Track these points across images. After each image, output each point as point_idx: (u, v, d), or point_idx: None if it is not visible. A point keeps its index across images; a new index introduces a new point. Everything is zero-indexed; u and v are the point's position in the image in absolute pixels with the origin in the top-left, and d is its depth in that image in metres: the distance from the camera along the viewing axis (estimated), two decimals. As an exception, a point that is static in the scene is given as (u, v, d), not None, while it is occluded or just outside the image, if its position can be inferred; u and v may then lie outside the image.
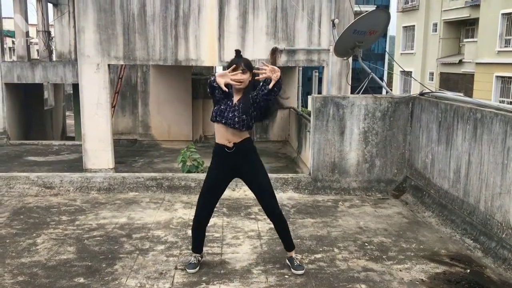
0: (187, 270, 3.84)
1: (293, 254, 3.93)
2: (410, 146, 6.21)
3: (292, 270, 3.85)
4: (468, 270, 3.96)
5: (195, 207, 5.46)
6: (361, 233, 4.79)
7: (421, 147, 5.88)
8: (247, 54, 9.38)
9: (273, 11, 9.37)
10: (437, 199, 5.37)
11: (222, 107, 3.64)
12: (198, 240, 3.93)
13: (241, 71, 3.56)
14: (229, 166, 3.76)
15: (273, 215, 3.89)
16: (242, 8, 9.30)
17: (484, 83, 25.20)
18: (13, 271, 3.83)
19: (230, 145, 3.67)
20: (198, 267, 3.87)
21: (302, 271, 3.82)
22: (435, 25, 31.53)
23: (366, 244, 4.51)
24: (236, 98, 3.66)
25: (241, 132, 3.66)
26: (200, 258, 3.95)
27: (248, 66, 3.61)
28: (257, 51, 9.41)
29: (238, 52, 3.67)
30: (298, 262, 3.89)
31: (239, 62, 3.59)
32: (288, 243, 3.93)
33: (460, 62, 28.88)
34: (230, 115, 3.60)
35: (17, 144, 13.32)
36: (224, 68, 3.74)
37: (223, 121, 3.61)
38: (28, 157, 11.58)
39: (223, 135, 3.68)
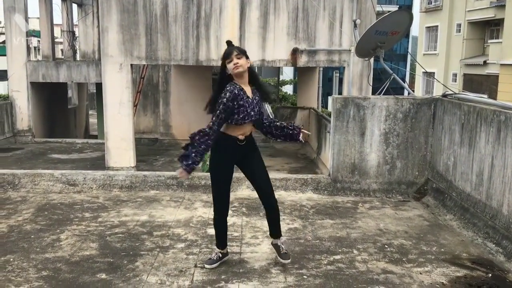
0: (205, 265, 3.88)
1: (279, 241, 3.97)
2: (432, 148, 6.14)
3: (278, 257, 3.93)
4: (490, 275, 3.91)
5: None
6: (381, 235, 4.77)
7: (443, 149, 5.81)
8: (267, 54, 9.41)
9: (294, 11, 9.35)
10: (459, 202, 5.30)
11: (246, 106, 3.66)
12: (222, 234, 3.97)
13: (235, 56, 3.61)
14: (238, 157, 3.85)
15: (270, 202, 3.92)
16: (263, 8, 9.31)
17: (509, 84, 24.69)
18: (37, 266, 3.93)
19: (242, 138, 3.76)
20: (216, 264, 3.91)
21: (289, 260, 3.89)
22: (459, 25, 31.02)
23: (386, 246, 4.49)
24: (248, 92, 3.71)
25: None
26: (220, 255, 3.98)
27: (242, 51, 3.67)
28: (277, 51, 9.40)
29: (229, 42, 3.77)
30: (284, 250, 3.94)
31: (233, 49, 3.66)
32: (277, 231, 3.99)
33: (485, 63, 28.37)
34: (256, 111, 3.72)
35: (42, 142, 13.58)
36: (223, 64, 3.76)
37: (252, 119, 3.72)
38: (52, 155, 11.81)
39: (241, 130, 3.73)
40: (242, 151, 3.81)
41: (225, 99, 3.57)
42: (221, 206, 3.89)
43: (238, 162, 3.90)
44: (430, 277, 3.85)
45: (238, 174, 6.48)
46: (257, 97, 3.76)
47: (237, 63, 3.60)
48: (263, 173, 3.95)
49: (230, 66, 3.62)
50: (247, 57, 3.68)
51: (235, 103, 3.60)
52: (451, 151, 5.59)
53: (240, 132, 3.73)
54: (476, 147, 5.03)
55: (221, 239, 3.99)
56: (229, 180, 3.90)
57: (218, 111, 3.58)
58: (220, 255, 3.99)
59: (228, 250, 4.26)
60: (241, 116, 3.64)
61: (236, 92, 3.61)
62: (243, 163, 3.91)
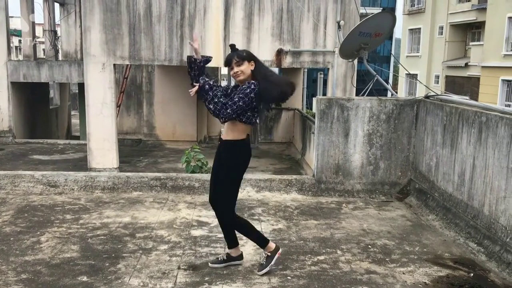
0: (259, 272, 3.81)
1: (232, 252, 3.92)
2: (415, 149, 6.19)
3: (257, 270, 3.85)
4: (472, 274, 3.95)
5: (198, 208, 5.50)
6: (364, 236, 4.79)
7: (426, 150, 5.86)
8: (252, 55, 9.40)
9: (278, 12, 9.38)
10: (441, 202, 5.35)
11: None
12: (234, 233, 3.93)
13: (234, 64, 3.56)
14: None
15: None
16: (247, 9, 9.31)
17: (490, 86, 25.12)
18: (16, 268, 3.85)
19: (221, 137, 3.81)
20: (222, 264, 3.91)
21: (265, 270, 3.80)
22: (441, 28, 31.45)
23: (369, 246, 4.50)
24: None
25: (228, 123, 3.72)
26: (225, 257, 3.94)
27: (241, 56, 3.58)
28: (262, 52, 9.41)
29: (232, 46, 3.67)
30: (263, 260, 3.87)
31: (233, 56, 3.59)
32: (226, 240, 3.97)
33: (466, 66, 28.80)
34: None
35: (23, 143, 13.38)
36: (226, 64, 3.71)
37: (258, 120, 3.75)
38: (33, 156, 11.63)
39: (248, 130, 3.72)
40: (219, 150, 3.81)
41: (251, 92, 3.50)
42: (234, 206, 3.84)
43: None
44: (413, 277, 3.87)
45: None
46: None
47: (237, 71, 3.56)
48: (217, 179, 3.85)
49: (231, 74, 3.59)
50: (249, 60, 3.59)
51: (254, 102, 3.55)
52: (434, 152, 5.64)
53: (247, 132, 3.72)
54: (458, 148, 5.08)
55: (235, 237, 3.93)
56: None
57: (237, 99, 3.50)
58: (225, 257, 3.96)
59: (212, 252, 4.24)
60: (256, 115, 3.64)
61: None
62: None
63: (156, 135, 14.28)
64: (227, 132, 3.71)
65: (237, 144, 3.69)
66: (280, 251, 3.91)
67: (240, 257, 3.98)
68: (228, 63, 3.62)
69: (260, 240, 3.89)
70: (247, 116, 3.61)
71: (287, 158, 11.90)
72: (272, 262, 3.83)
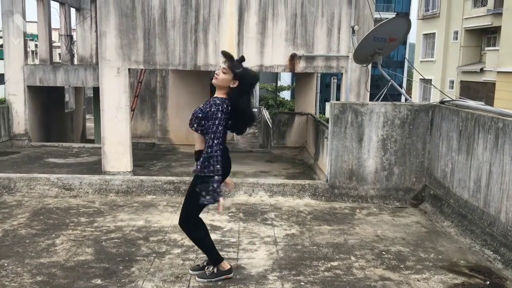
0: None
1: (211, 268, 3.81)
2: (430, 155, 6.13)
3: (197, 276, 3.79)
4: (488, 282, 3.89)
5: (211, 212, 5.50)
6: (378, 242, 4.75)
7: (441, 156, 5.80)
8: (266, 60, 9.41)
9: (292, 17, 9.37)
10: (456, 209, 5.29)
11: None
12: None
13: (222, 69, 3.51)
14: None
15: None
16: (261, 14, 9.33)
17: (506, 92, 24.77)
18: (32, 270, 3.89)
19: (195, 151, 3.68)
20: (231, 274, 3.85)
21: (202, 280, 3.74)
22: (456, 33, 31.17)
23: (383, 252, 4.46)
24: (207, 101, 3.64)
25: (200, 136, 3.58)
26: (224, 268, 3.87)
27: (232, 69, 3.49)
28: (276, 57, 9.41)
29: (241, 58, 3.59)
30: (208, 272, 3.79)
31: (228, 61, 3.52)
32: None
33: (481, 71, 28.47)
34: (192, 117, 3.63)
35: (38, 146, 13.53)
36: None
37: (190, 126, 3.66)
38: (48, 159, 11.75)
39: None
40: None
41: (219, 113, 3.53)
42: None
43: None
44: (428, 284, 3.83)
45: (235, 179, 6.46)
46: (201, 106, 3.57)
47: (218, 75, 3.53)
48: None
49: (216, 71, 3.59)
50: (236, 78, 3.48)
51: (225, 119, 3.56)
52: (449, 158, 5.58)
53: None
54: (474, 154, 5.02)
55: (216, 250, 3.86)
56: None
57: None
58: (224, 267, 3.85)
59: (225, 256, 4.23)
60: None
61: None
62: None
63: (169, 139, 14.34)
64: (198, 143, 3.62)
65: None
66: (230, 275, 3.81)
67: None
68: (223, 56, 3.54)
69: (216, 253, 3.84)
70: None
71: (300, 162, 11.86)
72: (214, 279, 3.75)
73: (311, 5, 9.32)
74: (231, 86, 3.52)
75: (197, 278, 3.76)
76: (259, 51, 9.38)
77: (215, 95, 3.61)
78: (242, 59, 3.59)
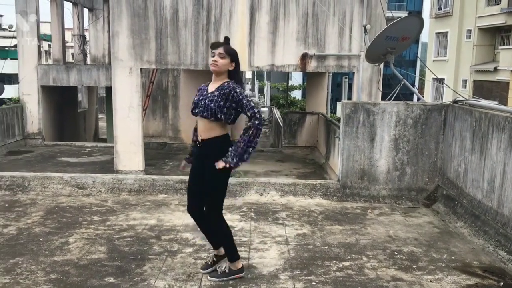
0: (207, 275, 3.81)
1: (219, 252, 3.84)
2: (443, 155, 6.09)
3: (209, 275, 3.79)
4: (502, 283, 3.85)
5: (223, 211, 5.51)
6: (390, 242, 4.72)
7: (454, 156, 5.75)
8: (277, 59, 9.41)
9: (303, 16, 9.36)
10: (469, 209, 5.24)
11: (196, 98, 3.65)
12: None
13: (218, 54, 3.51)
14: (198, 161, 3.74)
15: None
16: (273, 13, 9.33)
17: (520, 91, 24.49)
18: (46, 268, 3.94)
19: (199, 139, 3.66)
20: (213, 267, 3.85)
21: (214, 279, 3.73)
22: (469, 31, 30.87)
23: (395, 253, 4.44)
24: (212, 88, 3.60)
25: (211, 124, 3.54)
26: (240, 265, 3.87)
27: (228, 52, 3.52)
28: (287, 56, 9.41)
29: (226, 38, 3.62)
30: (220, 271, 3.78)
31: (221, 45, 3.53)
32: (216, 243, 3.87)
33: (495, 70, 28.17)
34: (203, 103, 3.56)
35: (51, 145, 13.67)
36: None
37: (196, 111, 3.61)
38: (61, 158, 11.88)
39: (199, 128, 3.67)
40: (200, 156, 3.67)
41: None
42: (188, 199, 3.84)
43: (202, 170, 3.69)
44: (440, 285, 3.80)
45: (246, 178, 6.47)
46: (217, 94, 3.52)
47: (216, 61, 3.52)
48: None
49: (210, 59, 3.59)
50: (232, 60, 3.55)
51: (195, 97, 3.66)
52: (462, 158, 5.53)
53: (198, 131, 3.67)
54: (487, 154, 4.97)
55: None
56: (192, 180, 3.82)
57: None
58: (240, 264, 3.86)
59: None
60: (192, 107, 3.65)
61: (199, 88, 3.72)
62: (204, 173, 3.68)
63: (181, 139, 14.41)
64: (208, 131, 3.59)
65: (225, 138, 3.63)
66: (242, 275, 3.81)
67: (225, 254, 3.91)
68: (213, 47, 3.55)
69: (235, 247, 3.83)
70: (233, 117, 3.58)
71: (311, 162, 11.84)
72: (226, 278, 3.75)
73: (322, 4, 9.30)
74: (229, 69, 3.57)
75: (209, 277, 3.78)
76: (270, 50, 9.38)
77: (217, 82, 3.58)
78: (227, 40, 3.62)
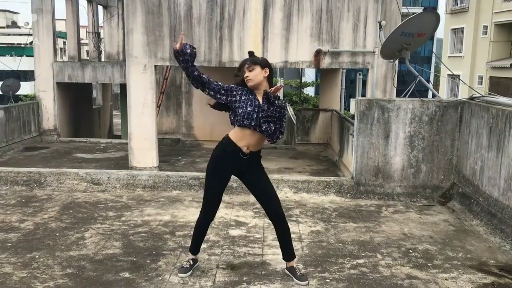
0: (178, 274, 3.75)
1: (293, 263, 3.80)
2: (458, 152, 6.02)
3: (295, 280, 3.69)
4: (519, 283, 3.80)
5: (236, 208, 5.53)
6: (405, 240, 4.69)
7: (470, 153, 5.69)
8: (290, 56, 9.37)
9: (317, 12, 9.31)
10: (486, 207, 5.18)
11: (248, 108, 3.45)
12: (200, 238, 3.84)
13: (246, 69, 3.48)
14: (238, 170, 3.69)
15: (278, 213, 3.75)
16: (286, 10, 9.29)
17: (537, 88, 24.09)
18: (62, 263, 3.98)
19: (246, 150, 3.55)
20: (190, 272, 3.76)
21: (306, 282, 3.67)
22: (486, 27, 30.42)
23: (410, 251, 4.41)
24: (260, 97, 3.49)
25: (264, 138, 3.52)
26: (192, 263, 3.83)
27: (254, 61, 3.48)
28: (300, 52, 9.37)
29: (249, 53, 3.59)
30: (300, 272, 3.76)
31: (244, 62, 3.52)
32: (289, 252, 3.78)
33: (512, 66, 27.75)
34: (257, 114, 3.43)
35: (67, 141, 13.83)
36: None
37: (252, 123, 3.45)
38: (77, 154, 12.00)
39: (244, 139, 3.53)
40: (245, 164, 3.62)
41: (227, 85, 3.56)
42: (208, 209, 3.73)
43: (238, 174, 3.74)
44: (456, 283, 3.77)
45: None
46: (273, 110, 3.40)
47: (247, 76, 3.48)
48: (267, 184, 3.78)
49: (245, 79, 3.53)
50: (263, 66, 3.49)
51: (234, 92, 3.52)
52: (478, 155, 5.47)
53: (244, 142, 3.53)
54: (504, 152, 4.90)
55: (197, 244, 3.83)
56: (223, 188, 3.76)
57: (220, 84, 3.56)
58: (192, 262, 3.83)
59: (250, 252, 4.25)
60: (239, 112, 3.44)
61: (241, 88, 3.55)
62: (245, 176, 3.74)
63: (194, 135, 14.45)
64: (259, 145, 3.61)
65: (222, 146, 3.65)
66: (195, 266, 3.84)
67: (198, 260, 3.93)
68: (239, 68, 3.54)
69: (194, 245, 3.85)
70: (236, 119, 3.52)
71: (324, 159, 11.79)
72: (188, 273, 3.75)
73: (337, 0, 9.24)
74: (264, 76, 3.52)
75: (302, 283, 3.67)
76: (284, 47, 9.35)
77: (260, 89, 3.51)
78: (251, 54, 3.59)
